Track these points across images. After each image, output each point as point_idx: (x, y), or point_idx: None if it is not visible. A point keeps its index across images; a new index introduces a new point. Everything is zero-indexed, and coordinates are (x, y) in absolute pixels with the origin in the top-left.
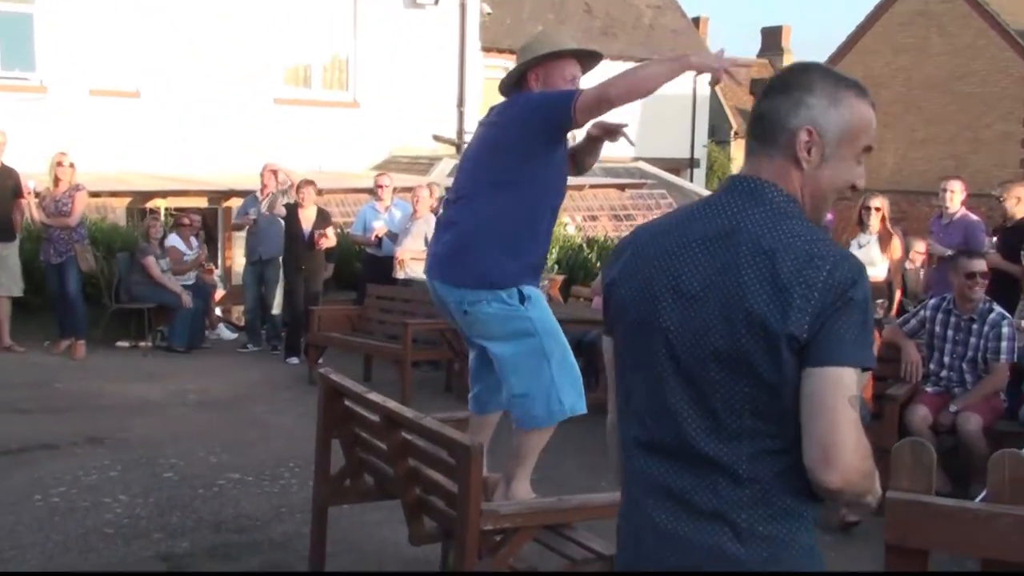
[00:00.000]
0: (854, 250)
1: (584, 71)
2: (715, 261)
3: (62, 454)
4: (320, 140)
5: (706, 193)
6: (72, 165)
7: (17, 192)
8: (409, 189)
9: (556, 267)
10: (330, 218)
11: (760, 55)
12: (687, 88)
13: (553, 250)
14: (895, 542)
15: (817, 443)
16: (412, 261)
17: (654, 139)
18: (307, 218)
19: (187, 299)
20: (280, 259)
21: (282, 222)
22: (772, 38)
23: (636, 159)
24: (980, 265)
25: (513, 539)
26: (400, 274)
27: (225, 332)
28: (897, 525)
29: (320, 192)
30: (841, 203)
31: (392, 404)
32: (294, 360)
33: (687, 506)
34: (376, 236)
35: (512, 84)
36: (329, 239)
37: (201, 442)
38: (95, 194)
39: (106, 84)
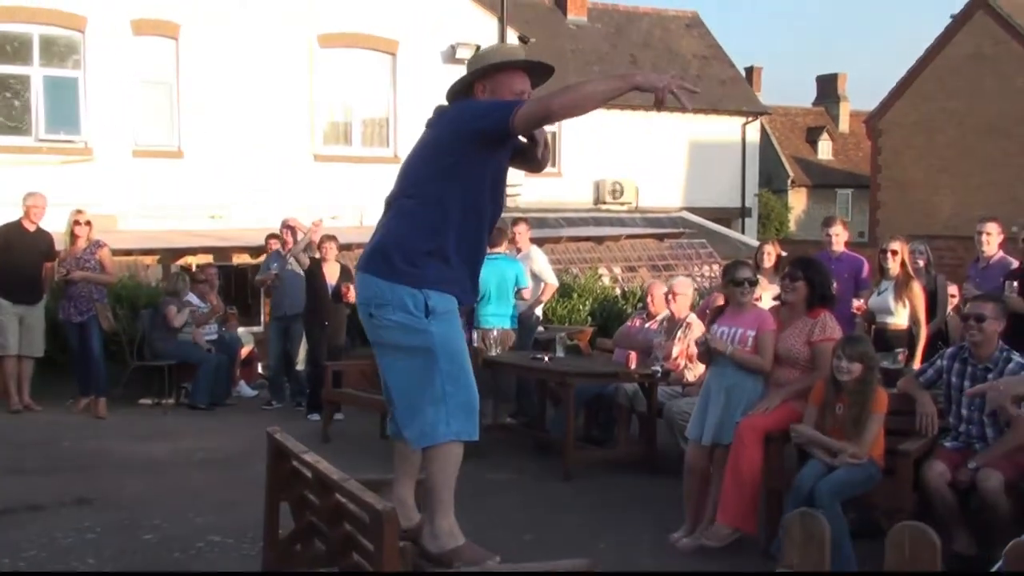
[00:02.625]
0: (874, 297)
1: (536, 86)
2: None
3: (45, 515)
4: (361, 195)
5: (754, 243)
6: (89, 223)
7: (48, 256)
8: None
9: (590, 319)
10: (352, 274)
11: (816, 103)
12: (735, 135)
13: (587, 301)
14: None
15: None
16: None
17: (703, 188)
18: (331, 273)
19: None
20: (303, 316)
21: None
22: (828, 86)
23: (682, 209)
24: (982, 308)
25: None
26: None
27: (245, 390)
28: None
29: (349, 247)
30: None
31: (323, 465)
32: (315, 417)
33: None
34: None
35: (459, 93)
36: (353, 293)
37: (193, 502)
38: (128, 252)
39: (149, 145)
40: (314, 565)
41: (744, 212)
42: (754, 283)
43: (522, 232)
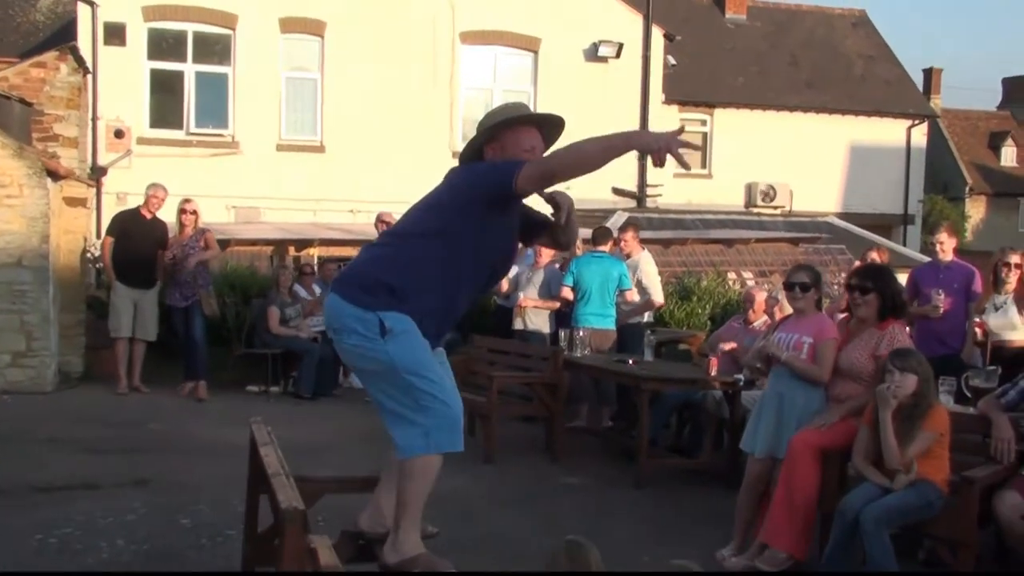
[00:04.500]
0: (989, 313)
1: (549, 140)
2: None
3: (97, 494)
4: None
5: (909, 252)
6: (196, 212)
7: (163, 244)
8: None
9: (709, 323)
10: None
11: (1001, 107)
12: (900, 139)
13: (707, 305)
14: None
15: None
16: (533, 311)
17: (862, 193)
18: None
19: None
20: None
21: None
22: (1017, 89)
23: (840, 214)
24: None
25: None
26: (519, 324)
27: (356, 381)
28: None
29: None
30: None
31: (270, 459)
32: None
33: None
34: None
35: (471, 159)
36: None
37: (243, 489)
38: (253, 242)
39: (293, 139)
40: None
41: (907, 219)
42: (807, 287)
43: (628, 239)
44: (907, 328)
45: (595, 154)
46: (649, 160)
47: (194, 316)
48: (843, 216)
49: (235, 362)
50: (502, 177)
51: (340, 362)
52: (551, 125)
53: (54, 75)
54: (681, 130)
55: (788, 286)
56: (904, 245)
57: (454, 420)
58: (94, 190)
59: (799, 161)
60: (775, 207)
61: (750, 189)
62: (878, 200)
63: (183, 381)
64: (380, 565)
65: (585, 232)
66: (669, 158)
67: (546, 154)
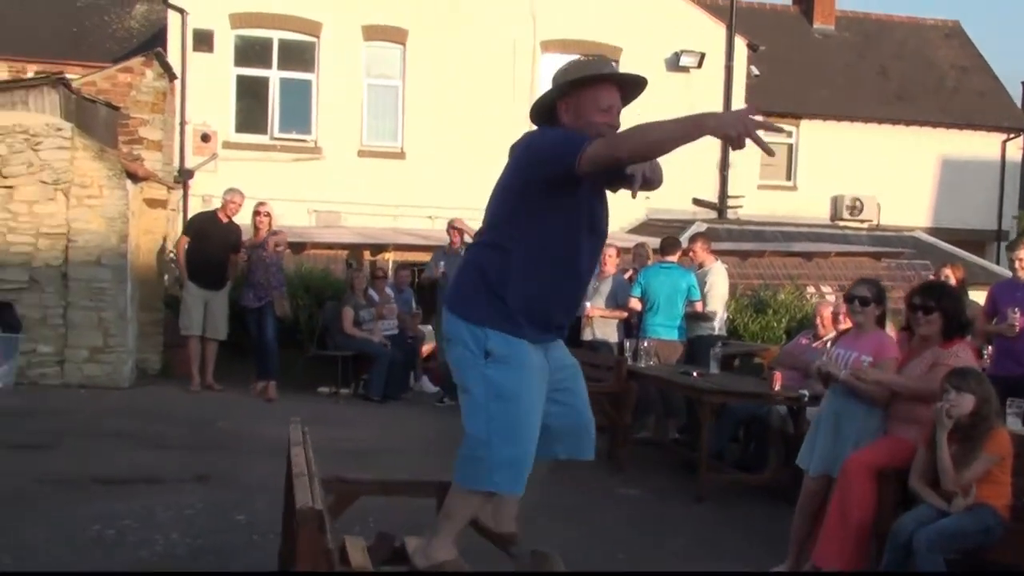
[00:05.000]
0: None
1: (627, 99)
2: None
3: (159, 489)
4: None
5: (1001, 270)
6: (269, 214)
7: (236, 247)
8: (629, 250)
9: (785, 337)
10: None
11: None
12: (994, 152)
13: (783, 319)
14: None
15: None
16: (600, 321)
17: (953, 208)
18: None
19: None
20: None
21: None
22: None
23: (929, 228)
24: None
25: None
26: (587, 334)
27: (427, 385)
28: None
29: None
30: None
31: (298, 459)
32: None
33: None
34: None
35: (542, 114)
36: None
37: None
38: (330, 246)
39: (374, 145)
40: None
41: (1000, 235)
42: (867, 302)
43: (698, 249)
44: (980, 347)
45: (664, 142)
46: (729, 167)
47: (267, 317)
48: (933, 231)
49: (306, 364)
50: (563, 159)
51: (411, 366)
52: (632, 85)
53: (140, 80)
54: (756, 108)
55: (848, 299)
56: (997, 263)
57: (517, 462)
58: (180, 192)
59: (888, 174)
60: (862, 221)
61: (836, 202)
62: (970, 216)
63: (254, 381)
64: (410, 567)
65: (654, 242)
66: (749, 142)
67: (612, 136)
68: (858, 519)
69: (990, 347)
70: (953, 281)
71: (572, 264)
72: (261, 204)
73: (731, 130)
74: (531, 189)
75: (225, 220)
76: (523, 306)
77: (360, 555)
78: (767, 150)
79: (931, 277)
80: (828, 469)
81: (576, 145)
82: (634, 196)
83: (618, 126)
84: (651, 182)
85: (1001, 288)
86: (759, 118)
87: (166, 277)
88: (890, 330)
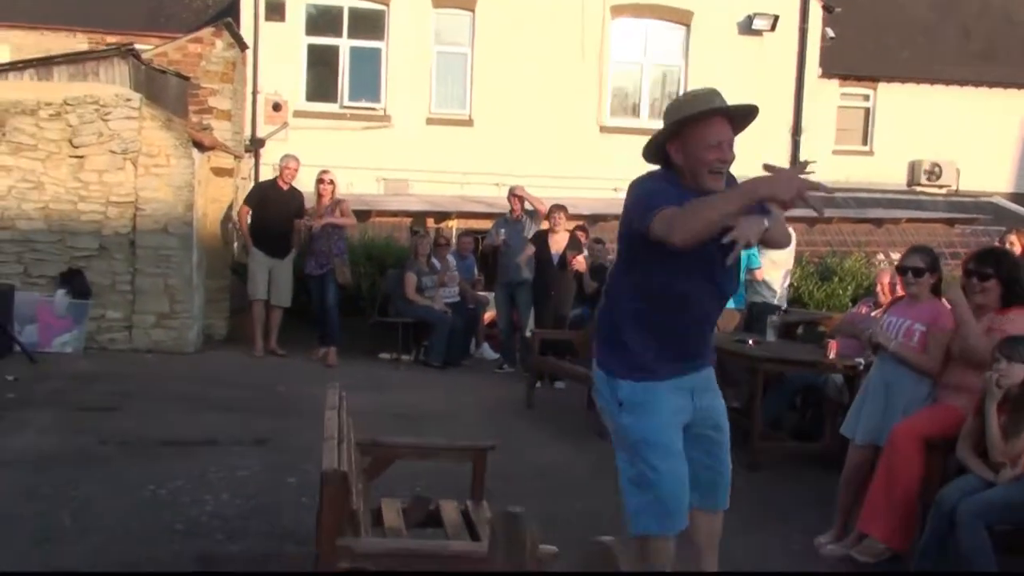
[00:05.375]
0: None
1: (738, 128)
2: None
3: (215, 450)
4: (645, 168)
5: None
6: (333, 182)
7: (299, 213)
8: None
9: (851, 304)
10: (581, 243)
11: None
12: None
13: (849, 286)
14: None
15: None
16: None
17: None
18: (557, 243)
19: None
20: (531, 283)
21: (532, 247)
22: None
23: (1013, 195)
24: None
25: None
26: None
27: (488, 352)
28: None
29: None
30: None
31: (330, 423)
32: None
33: None
34: None
35: (655, 154)
36: (580, 262)
37: None
38: (395, 214)
39: (442, 113)
40: None
41: None
42: (920, 272)
43: None
44: None
45: (715, 221)
46: (802, 132)
47: (328, 284)
48: (1015, 197)
49: (368, 330)
50: (639, 224)
51: (472, 333)
52: (742, 115)
53: (210, 50)
54: (806, 164)
55: (901, 271)
56: None
57: (662, 504)
58: (252, 161)
59: (968, 138)
60: (940, 186)
61: (913, 167)
62: None
63: (316, 347)
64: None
65: None
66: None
67: (668, 219)
68: (904, 488)
69: None
70: (1018, 248)
71: (684, 310)
72: (324, 172)
73: (783, 195)
74: (634, 240)
75: (286, 187)
76: (644, 353)
77: (395, 517)
78: (820, 213)
79: (997, 244)
80: (875, 439)
81: (645, 215)
82: (729, 263)
83: (730, 160)
84: (771, 241)
85: None
86: (812, 173)
87: (233, 245)
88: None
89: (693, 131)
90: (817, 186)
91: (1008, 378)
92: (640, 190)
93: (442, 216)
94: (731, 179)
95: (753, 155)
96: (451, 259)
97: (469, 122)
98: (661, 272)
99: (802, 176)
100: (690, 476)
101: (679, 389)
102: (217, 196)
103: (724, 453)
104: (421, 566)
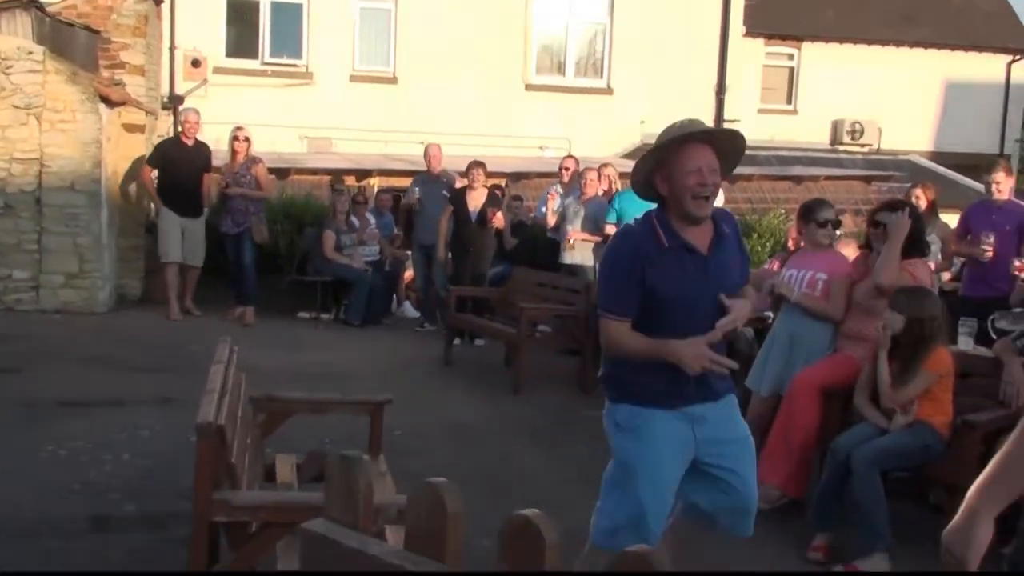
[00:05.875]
0: None
1: (729, 164)
2: None
3: (119, 410)
4: (570, 127)
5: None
6: (248, 139)
7: (207, 168)
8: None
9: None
10: (500, 200)
11: None
12: (998, 75)
13: (767, 243)
14: None
15: None
16: (581, 243)
17: (955, 131)
18: (475, 200)
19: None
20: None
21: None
22: None
23: (931, 153)
24: None
25: (261, 536)
26: (566, 257)
27: (409, 310)
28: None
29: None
30: None
31: (213, 378)
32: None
33: None
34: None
35: (644, 184)
36: (499, 219)
37: None
38: (315, 172)
39: (366, 70)
40: None
41: (1003, 159)
42: (837, 224)
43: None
44: (948, 267)
45: (633, 355)
46: (726, 90)
47: (245, 242)
48: (934, 156)
49: (287, 289)
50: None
51: (392, 292)
52: (729, 145)
53: (121, 3)
54: (717, 335)
55: (820, 223)
56: None
57: (635, 532)
58: (171, 119)
59: (890, 98)
60: (862, 145)
61: (836, 126)
62: (973, 139)
63: (233, 306)
64: None
65: (628, 166)
66: None
67: (606, 330)
68: (801, 437)
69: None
70: (924, 202)
71: (673, 331)
72: (239, 128)
73: (687, 368)
74: None
75: (189, 142)
76: (638, 379)
77: (288, 472)
78: (731, 367)
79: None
80: (779, 389)
81: (600, 302)
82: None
83: (711, 185)
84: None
85: (975, 210)
86: (713, 363)
87: (147, 203)
88: (854, 248)
89: (673, 158)
90: (723, 362)
91: (892, 328)
92: (609, 257)
93: (363, 174)
94: (727, 216)
95: (677, 113)
96: (370, 217)
97: (393, 79)
98: (647, 321)
99: (708, 356)
100: (707, 504)
101: (678, 419)
102: (129, 153)
103: (749, 484)
104: (282, 518)
